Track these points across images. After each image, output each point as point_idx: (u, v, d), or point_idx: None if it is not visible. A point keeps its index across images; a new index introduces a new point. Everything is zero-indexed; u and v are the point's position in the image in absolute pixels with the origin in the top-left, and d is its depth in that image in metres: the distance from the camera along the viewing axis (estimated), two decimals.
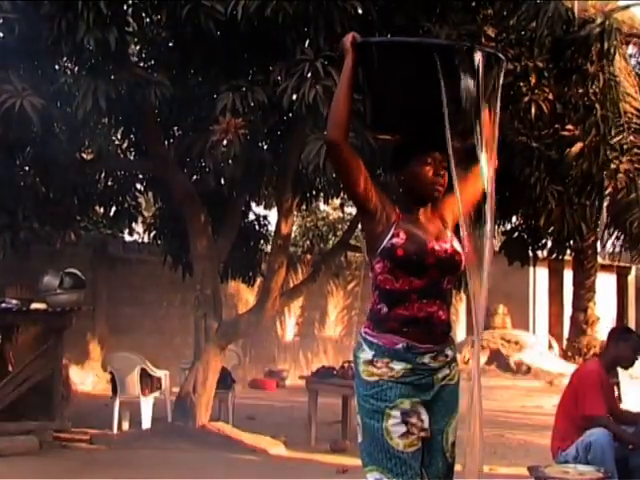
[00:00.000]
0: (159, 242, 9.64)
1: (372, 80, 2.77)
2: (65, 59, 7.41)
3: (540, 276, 18.44)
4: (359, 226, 9.52)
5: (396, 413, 2.68)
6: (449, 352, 2.79)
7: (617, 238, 9.99)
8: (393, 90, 2.74)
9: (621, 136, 7.42)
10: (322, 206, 16.63)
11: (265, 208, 10.53)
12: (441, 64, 2.54)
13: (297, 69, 6.05)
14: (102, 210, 9.99)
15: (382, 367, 2.71)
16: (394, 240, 2.72)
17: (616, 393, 5.86)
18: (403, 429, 2.67)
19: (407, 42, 2.81)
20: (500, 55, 2.72)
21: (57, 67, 7.60)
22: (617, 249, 10.94)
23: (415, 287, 2.72)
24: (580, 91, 6.73)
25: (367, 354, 2.75)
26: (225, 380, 8.58)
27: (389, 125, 2.89)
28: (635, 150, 7.64)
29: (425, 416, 2.72)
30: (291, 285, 10.77)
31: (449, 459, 2.79)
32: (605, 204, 8.32)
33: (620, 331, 5.34)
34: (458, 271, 2.80)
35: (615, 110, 6.85)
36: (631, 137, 7.79)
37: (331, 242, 16.83)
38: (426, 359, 2.73)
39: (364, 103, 2.82)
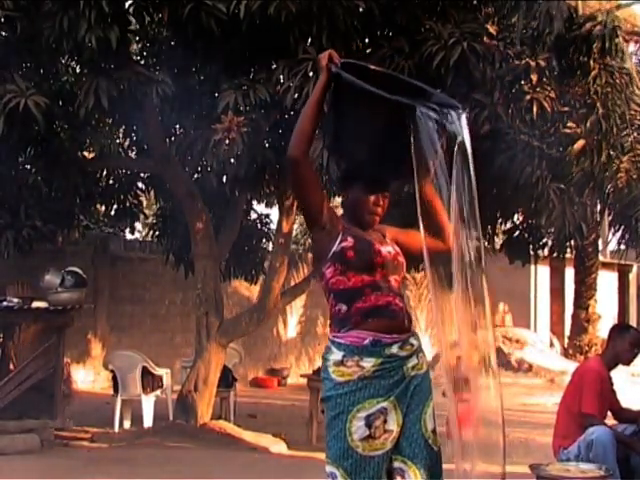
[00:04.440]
0: (162, 241, 9.65)
1: (337, 104, 2.82)
2: (67, 57, 7.41)
3: (541, 274, 18.43)
4: None
5: (361, 415, 2.75)
6: (414, 342, 2.88)
7: (622, 236, 9.96)
8: (353, 120, 2.80)
9: (623, 134, 7.39)
10: None
11: (267, 206, 10.54)
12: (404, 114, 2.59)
13: (300, 68, 6.04)
14: (104, 208, 10.00)
15: (352, 366, 2.79)
16: (343, 244, 2.85)
17: None
18: (366, 432, 2.75)
19: (367, 89, 2.70)
20: (457, 107, 2.71)
21: (59, 66, 7.60)
22: (620, 247, 10.92)
23: (367, 283, 2.83)
24: (582, 89, 6.72)
25: (337, 355, 2.83)
26: (226, 378, 8.59)
27: (344, 150, 3.02)
28: (637, 147, 7.61)
29: (392, 416, 2.77)
30: (292, 283, 10.77)
31: (433, 447, 2.81)
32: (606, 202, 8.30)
33: (619, 328, 5.35)
34: (402, 271, 2.94)
35: (617, 109, 6.82)
36: (634, 134, 7.76)
37: None
38: (394, 349, 2.80)
39: (327, 123, 2.89)
